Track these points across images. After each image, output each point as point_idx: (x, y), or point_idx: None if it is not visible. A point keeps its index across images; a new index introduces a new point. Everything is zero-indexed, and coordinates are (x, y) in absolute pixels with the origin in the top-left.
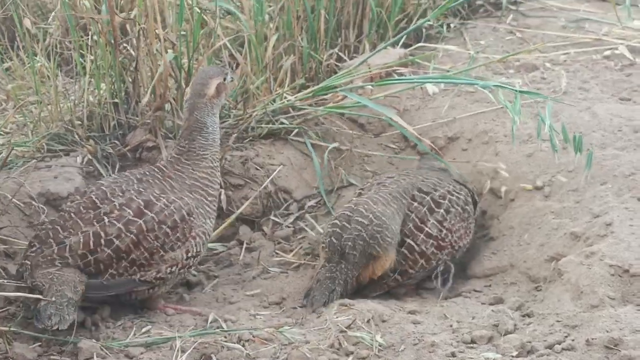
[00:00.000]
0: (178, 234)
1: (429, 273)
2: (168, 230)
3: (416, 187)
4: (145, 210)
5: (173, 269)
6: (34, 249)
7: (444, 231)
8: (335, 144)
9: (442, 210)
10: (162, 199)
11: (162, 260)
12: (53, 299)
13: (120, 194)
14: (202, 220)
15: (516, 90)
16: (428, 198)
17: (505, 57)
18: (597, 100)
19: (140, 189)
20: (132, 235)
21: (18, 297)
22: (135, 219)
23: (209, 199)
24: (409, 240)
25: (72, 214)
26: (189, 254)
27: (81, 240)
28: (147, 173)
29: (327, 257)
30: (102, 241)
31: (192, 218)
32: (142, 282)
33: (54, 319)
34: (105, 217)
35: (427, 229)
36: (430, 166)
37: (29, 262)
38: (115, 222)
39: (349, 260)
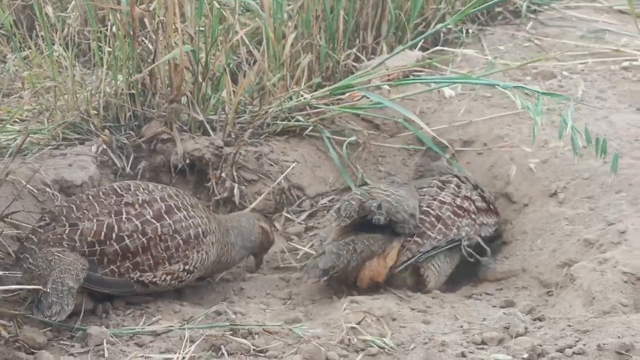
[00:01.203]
0: (187, 251)
1: (454, 243)
2: (180, 241)
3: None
4: (165, 215)
5: (167, 277)
6: (44, 224)
7: (459, 199)
8: (353, 138)
9: (453, 185)
10: (183, 210)
11: (163, 269)
12: (54, 286)
13: (147, 192)
14: (211, 242)
15: (537, 92)
16: (434, 181)
17: (524, 63)
18: (614, 109)
19: (166, 195)
20: (144, 239)
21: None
22: (153, 220)
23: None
24: (424, 207)
25: (89, 196)
26: (186, 267)
27: (94, 228)
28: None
29: (341, 227)
30: (114, 235)
31: (205, 239)
32: (138, 282)
33: (54, 309)
34: (124, 210)
35: (440, 197)
36: (430, 166)
37: (35, 238)
38: (133, 218)
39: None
